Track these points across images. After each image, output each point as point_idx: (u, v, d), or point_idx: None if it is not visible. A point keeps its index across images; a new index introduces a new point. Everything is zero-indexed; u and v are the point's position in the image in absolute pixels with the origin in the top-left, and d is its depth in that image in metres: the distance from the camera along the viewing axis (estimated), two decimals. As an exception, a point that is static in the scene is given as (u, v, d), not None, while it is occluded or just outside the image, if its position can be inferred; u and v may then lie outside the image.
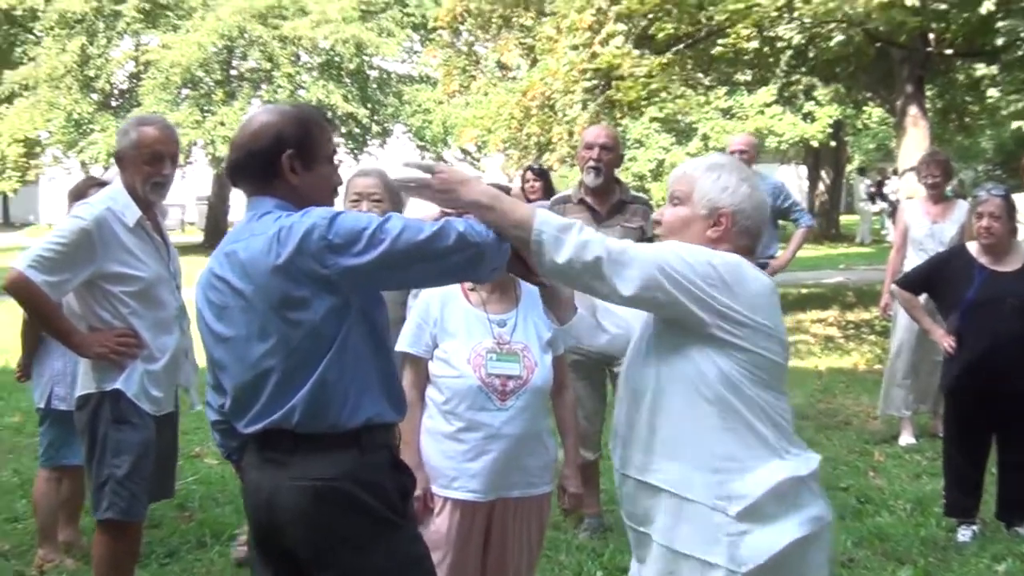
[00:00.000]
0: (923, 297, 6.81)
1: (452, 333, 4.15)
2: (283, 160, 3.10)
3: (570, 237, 2.84)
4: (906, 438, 8.64)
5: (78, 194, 5.48)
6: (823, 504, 3.09)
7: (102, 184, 5.44)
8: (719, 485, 2.95)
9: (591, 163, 6.49)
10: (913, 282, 6.75)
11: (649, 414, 3.06)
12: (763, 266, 8.92)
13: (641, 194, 6.83)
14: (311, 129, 3.19)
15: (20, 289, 4.57)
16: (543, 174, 10.00)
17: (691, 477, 2.98)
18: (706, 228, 3.11)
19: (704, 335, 2.94)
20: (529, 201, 8.65)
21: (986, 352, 6.12)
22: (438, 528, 4.10)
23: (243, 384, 3.10)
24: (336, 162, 3.32)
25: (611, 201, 6.56)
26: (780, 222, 10.02)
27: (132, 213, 4.71)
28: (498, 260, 3.00)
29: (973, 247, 6.36)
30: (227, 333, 3.10)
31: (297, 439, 3.06)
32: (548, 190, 9.60)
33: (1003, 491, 6.38)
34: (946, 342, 6.34)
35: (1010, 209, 6.22)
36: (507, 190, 4.32)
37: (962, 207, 8.39)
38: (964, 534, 6.26)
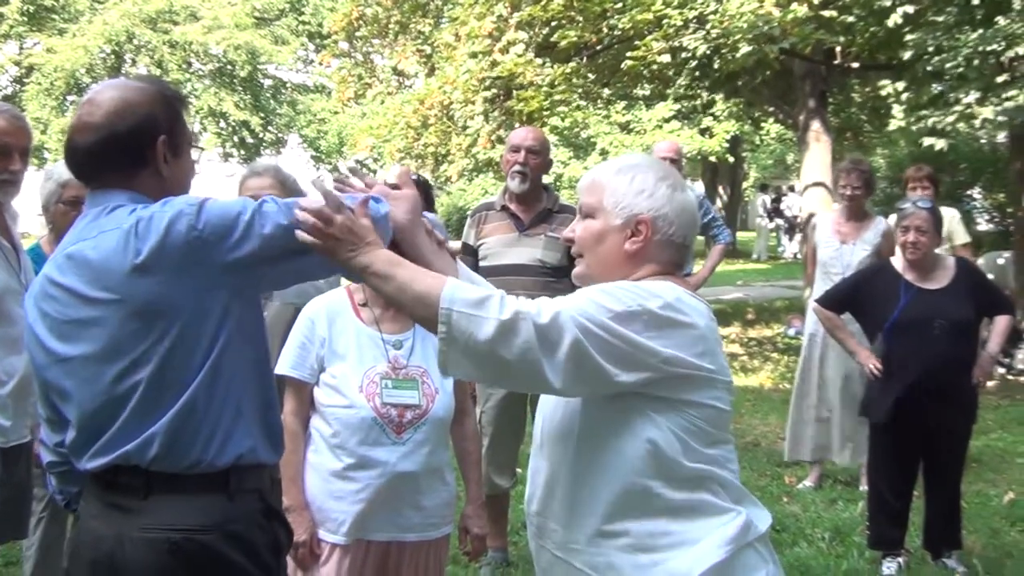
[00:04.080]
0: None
1: (341, 355, 3.63)
2: (158, 147, 2.59)
3: (488, 312, 2.27)
4: (808, 483, 7.86)
5: None
6: (772, 568, 2.58)
7: None
8: (653, 567, 2.46)
9: (516, 167, 5.97)
10: (835, 300, 6.35)
11: (570, 475, 2.56)
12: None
13: (571, 203, 6.25)
14: (178, 109, 2.69)
15: None
16: (421, 185, 8.76)
17: (619, 559, 2.49)
18: (623, 240, 2.58)
19: (640, 394, 2.43)
20: None
21: (913, 377, 5.76)
22: (325, 578, 3.60)
23: (92, 411, 2.54)
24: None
25: (536, 209, 6.04)
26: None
27: None
28: (386, 241, 2.52)
29: (898, 262, 6.00)
30: (69, 352, 2.54)
31: (150, 479, 2.52)
32: (427, 202, 8.76)
33: (930, 520, 6.04)
34: (871, 363, 5.97)
35: (937, 223, 5.88)
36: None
37: (878, 227, 7.64)
38: (889, 567, 5.91)
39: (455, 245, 4.77)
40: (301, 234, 2.43)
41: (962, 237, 8.48)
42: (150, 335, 2.46)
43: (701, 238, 9.71)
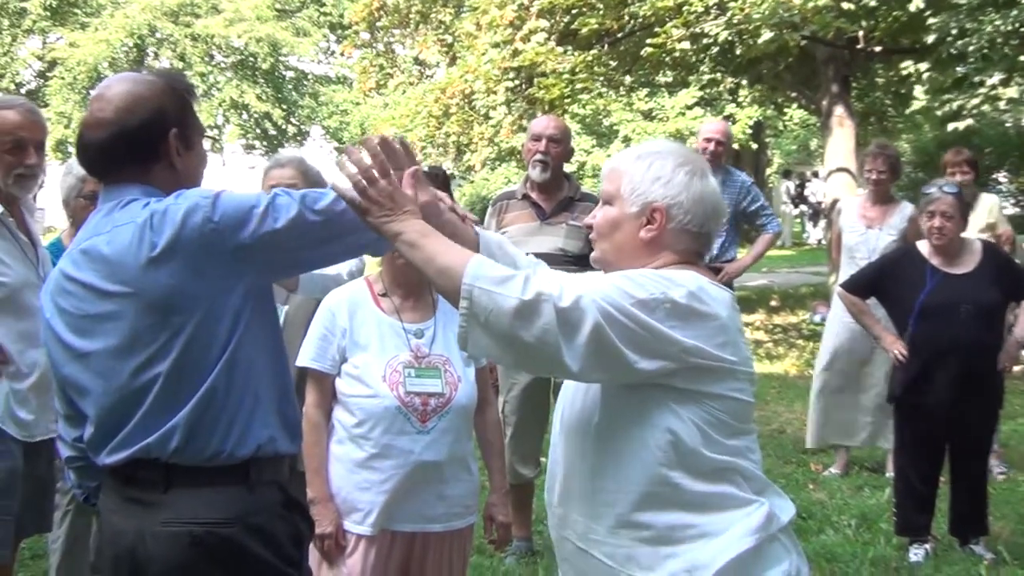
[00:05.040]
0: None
1: (363, 345, 3.62)
2: (170, 141, 2.59)
3: (510, 291, 2.24)
4: (834, 470, 7.76)
5: None
6: (796, 558, 2.55)
7: None
8: (675, 558, 2.43)
9: (538, 156, 5.95)
10: (860, 284, 6.30)
11: (590, 466, 2.52)
12: (718, 270, 8.07)
13: (592, 192, 6.20)
14: (188, 101, 2.68)
15: None
16: (439, 176, 8.43)
17: (640, 551, 2.46)
18: (639, 228, 2.54)
19: (660, 385, 2.40)
20: None
21: (939, 361, 5.72)
22: (351, 570, 3.60)
23: (111, 406, 2.54)
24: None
25: (558, 198, 6.02)
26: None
27: None
28: None
29: (924, 247, 5.95)
30: (88, 347, 2.54)
31: (169, 472, 2.51)
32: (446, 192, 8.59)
33: (957, 506, 5.98)
34: (896, 348, 5.93)
35: (963, 208, 5.83)
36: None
37: (904, 211, 7.52)
38: (917, 553, 5.86)
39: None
40: (338, 185, 2.43)
41: (1004, 225, 8.40)
42: (167, 328, 2.46)
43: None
